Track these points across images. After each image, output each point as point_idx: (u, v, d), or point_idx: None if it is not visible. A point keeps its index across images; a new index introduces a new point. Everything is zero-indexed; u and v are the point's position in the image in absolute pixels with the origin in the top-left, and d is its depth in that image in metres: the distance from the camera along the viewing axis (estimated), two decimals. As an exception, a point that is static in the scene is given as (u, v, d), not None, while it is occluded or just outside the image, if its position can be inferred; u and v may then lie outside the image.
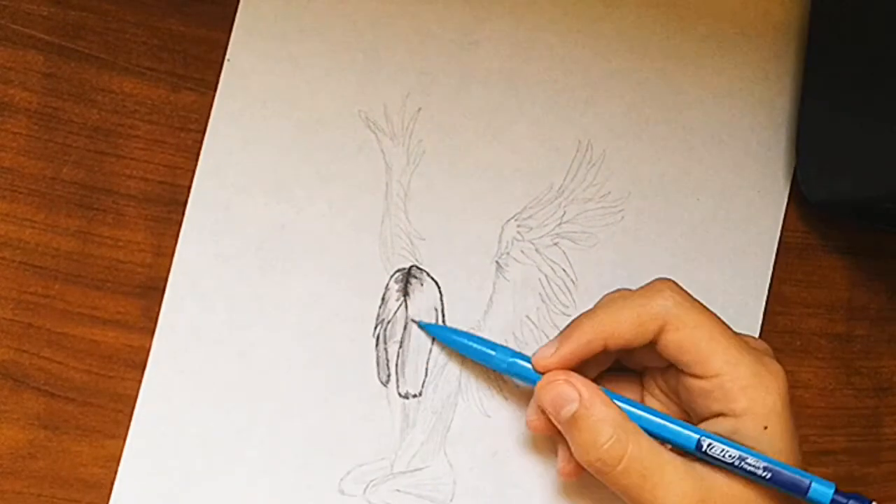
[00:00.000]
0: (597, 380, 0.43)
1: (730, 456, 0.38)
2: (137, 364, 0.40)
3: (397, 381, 0.43)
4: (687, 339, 0.40)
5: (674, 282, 0.41)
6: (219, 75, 0.41)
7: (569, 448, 0.41)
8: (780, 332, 0.49)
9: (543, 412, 0.41)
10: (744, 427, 0.39)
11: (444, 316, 0.43)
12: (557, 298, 0.45)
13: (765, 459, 0.39)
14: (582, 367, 0.41)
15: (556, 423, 0.40)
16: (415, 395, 0.43)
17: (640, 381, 0.43)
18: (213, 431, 0.41)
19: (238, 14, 0.41)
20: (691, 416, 0.42)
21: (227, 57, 0.40)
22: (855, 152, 0.46)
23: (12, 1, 0.39)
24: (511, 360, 0.41)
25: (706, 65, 0.47)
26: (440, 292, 0.43)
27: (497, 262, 0.44)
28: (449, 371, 0.43)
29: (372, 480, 0.42)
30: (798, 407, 0.50)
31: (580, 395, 0.39)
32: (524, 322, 0.44)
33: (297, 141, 0.41)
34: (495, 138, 0.44)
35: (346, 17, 0.42)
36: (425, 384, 0.43)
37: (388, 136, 0.43)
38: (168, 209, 0.40)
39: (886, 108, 0.44)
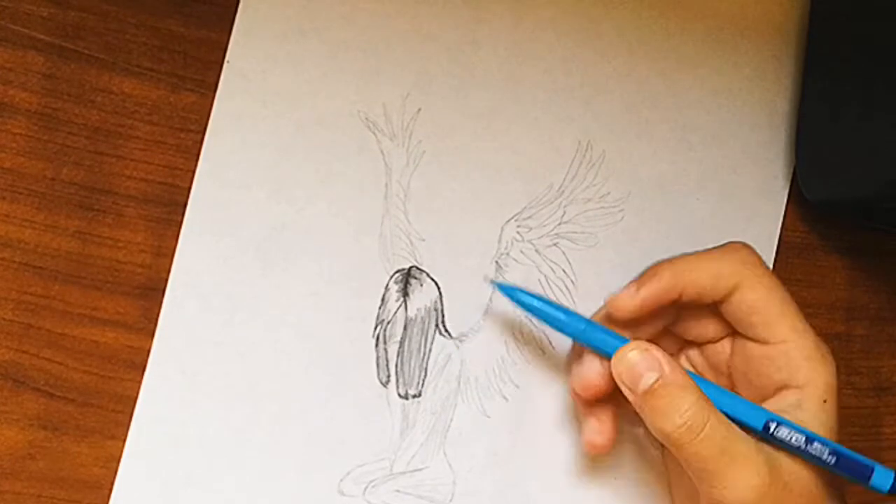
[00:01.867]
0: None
1: (796, 439, 0.39)
2: (137, 364, 0.40)
3: (397, 381, 0.43)
4: (760, 300, 0.40)
5: (750, 246, 0.42)
6: (219, 76, 0.41)
7: (605, 419, 0.41)
8: (780, 332, 0.49)
9: (603, 382, 0.41)
10: (807, 399, 0.39)
11: (443, 316, 0.43)
12: (557, 299, 0.45)
13: (829, 444, 0.39)
14: (636, 331, 0.42)
15: (629, 392, 0.40)
16: (414, 396, 0.43)
17: (679, 354, 0.44)
18: (213, 433, 0.41)
19: (238, 16, 0.41)
20: (743, 392, 0.42)
21: (226, 58, 0.40)
22: (854, 152, 0.46)
23: (12, 1, 0.39)
24: (584, 327, 0.41)
25: (705, 65, 0.47)
26: (440, 293, 0.43)
27: (497, 262, 0.44)
28: (448, 371, 0.43)
29: (372, 481, 0.42)
30: (798, 407, 0.50)
31: (660, 363, 0.39)
32: (524, 323, 0.44)
33: (296, 141, 0.41)
34: (495, 138, 0.44)
35: (345, 18, 0.42)
36: (425, 385, 0.43)
37: (387, 136, 0.42)
38: (168, 210, 0.40)
39: (886, 107, 0.44)
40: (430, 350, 0.43)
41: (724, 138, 0.47)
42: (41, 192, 0.39)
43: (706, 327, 0.43)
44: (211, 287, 0.40)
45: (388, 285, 0.43)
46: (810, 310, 0.50)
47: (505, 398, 0.44)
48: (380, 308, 0.43)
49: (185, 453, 0.40)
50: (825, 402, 0.40)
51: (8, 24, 0.39)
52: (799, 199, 0.49)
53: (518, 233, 0.44)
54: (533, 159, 0.44)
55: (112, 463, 0.39)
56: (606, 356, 0.41)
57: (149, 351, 0.40)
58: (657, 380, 0.39)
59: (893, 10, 0.44)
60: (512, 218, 0.44)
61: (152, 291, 0.40)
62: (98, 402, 0.39)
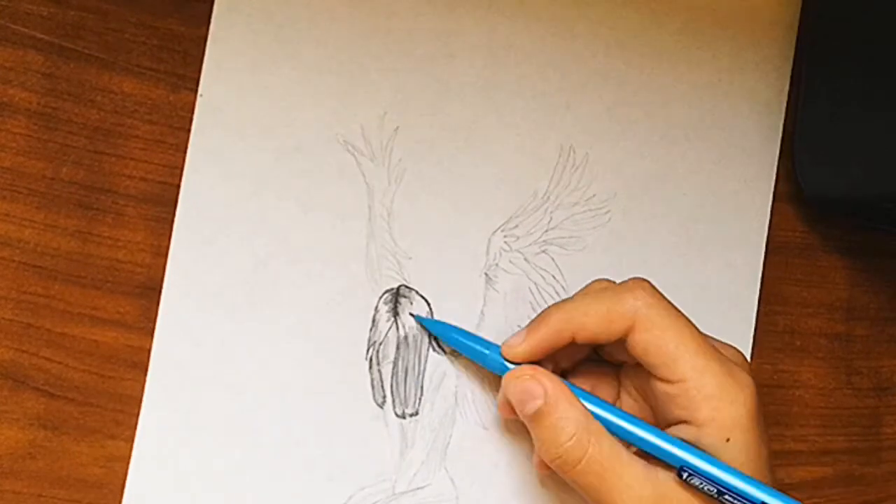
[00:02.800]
0: (574, 371, 0.43)
1: (708, 490, 0.38)
2: (137, 364, 0.40)
3: (393, 401, 0.43)
4: (654, 342, 0.39)
5: (649, 282, 0.41)
6: (218, 75, 0.41)
7: None
8: (780, 332, 0.49)
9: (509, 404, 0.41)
10: (705, 437, 0.38)
11: None
12: (549, 305, 0.45)
13: (749, 486, 0.38)
14: (556, 356, 0.41)
15: (521, 417, 0.40)
16: (412, 415, 0.43)
17: (617, 375, 0.43)
18: (208, 476, 0.40)
19: (207, 48, 0.40)
20: (657, 418, 0.41)
21: (199, 92, 0.40)
22: (854, 152, 0.46)
23: (12, 1, 0.39)
24: (486, 352, 0.41)
25: (683, 59, 0.47)
26: (430, 309, 0.43)
27: (486, 274, 0.44)
28: (445, 387, 0.43)
29: (375, 503, 0.42)
30: (798, 407, 0.50)
31: (545, 391, 0.39)
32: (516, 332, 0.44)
33: (276, 171, 0.41)
34: (476, 150, 0.44)
35: (316, 42, 0.41)
36: (421, 402, 0.43)
37: (367, 157, 0.42)
38: (168, 209, 0.40)
39: (886, 107, 0.44)
40: (424, 368, 0.43)
41: (708, 132, 0.47)
42: (41, 191, 0.39)
43: (624, 355, 0.41)
44: (199, 328, 0.40)
45: (377, 306, 0.42)
46: (810, 310, 0.50)
47: (502, 410, 0.44)
48: (371, 330, 0.42)
49: (182, 487, 0.40)
50: (728, 440, 0.38)
51: (8, 24, 0.38)
52: (799, 199, 0.49)
53: (506, 243, 0.44)
54: (516, 168, 0.44)
55: (112, 463, 0.39)
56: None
57: (148, 351, 0.40)
58: (541, 406, 0.39)
59: (894, 9, 0.44)
60: (498, 228, 0.44)
61: (152, 291, 0.40)
62: (98, 402, 0.39)
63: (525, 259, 0.44)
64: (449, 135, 0.43)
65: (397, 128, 0.43)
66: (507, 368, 0.41)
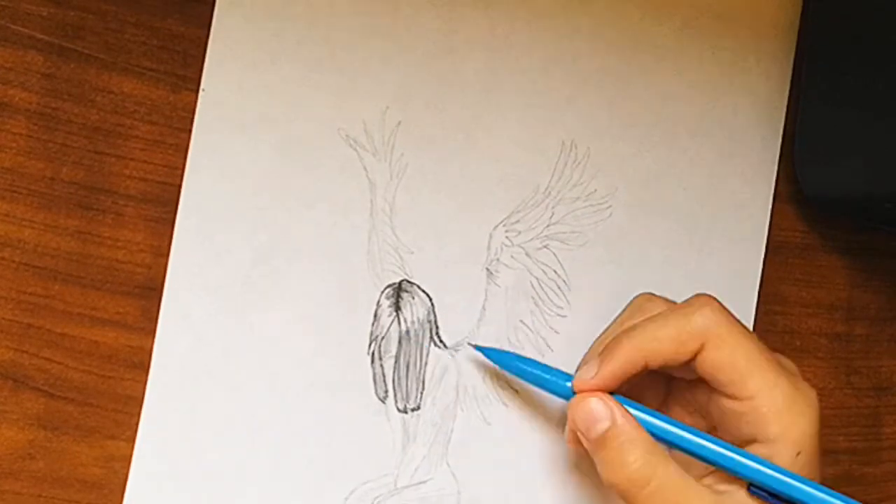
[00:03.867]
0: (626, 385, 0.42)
1: None
2: (137, 364, 0.40)
3: (395, 396, 0.43)
4: (726, 359, 0.39)
5: (715, 299, 0.41)
6: (218, 75, 0.41)
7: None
8: (780, 332, 0.49)
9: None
10: (777, 454, 0.39)
11: (437, 328, 0.43)
12: (551, 300, 0.45)
13: (824, 494, 0.38)
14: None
15: (584, 441, 0.40)
16: (413, 409, 0.43)
17: (666, 387, 0.43)
18: (211, 468, 0.40)
19: (209, 44, 0.40)
20: (720, 435, 0.41)
21: (201, 87, 0.40)
22: (854, 151, 0.46)
23: (12, 1, 0.38)
24: (556, 380, 0.41)
25: (685, 55, 0.47)
26: (432, 304, 0.43)
27: (487, 269, 0.44)
28: (446, 382, 0.43)
29: (377, 497, 0.42)
30: (798, 407, 0.50)
31: (612, 413, 0.39)
32: (518, 327, 0.44)
33: (278, 166, 0.41)
34: (477, 145, 0.44)
35: (318, 38, 0.41)
36: (423, 397, 0.43)
37: (369, 152, 0.42)
38: (168, 209, 0.40)
39: (886, 107, 0.44)
40: (426, 362, 0.43)
41: (709, 128, 0.47)
42: (41, 191, 0.39)
43: (681, 371, 0.42)
44: (201, 321, 0.40)
45: (379, 301, 0.42)
46: (810, 310, 0.50)
47: (504, 404, 0.44)
48: (373, 325, 0.42)
49: (185, 485, 0.40)
50: (798, 454, 0.39)
51: (8, 24, 0.38)
52: (799, 199, 0.49)
53: (507, 238, 0.44)
54: (517, 163, 0.44)
55: (113, 463, 0.39)
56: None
57: (149, 351, 0.40)
58: (608, 429, 0.39)
59: (894, 9, 0.44)
60: (500, 223, 0.44)
61: (152, 291, 0.40)
62: (98, 402, 0.39)
63: (526, 254, 0.44)
64: (450, 130, 0.43)
65: (399, 123, 0.43)
66: (565, 395, 0.41)
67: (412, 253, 0.43)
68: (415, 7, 0.43)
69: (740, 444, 0.40)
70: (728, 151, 0.48)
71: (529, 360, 0.42)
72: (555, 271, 0.45)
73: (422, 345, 0.43)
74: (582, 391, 0.40)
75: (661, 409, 0.43)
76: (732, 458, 0.39)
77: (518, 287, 0.44)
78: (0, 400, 0.38)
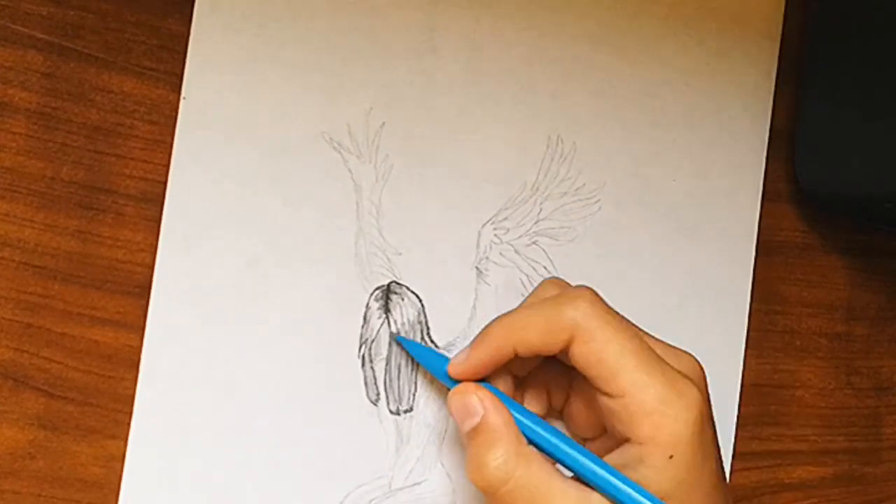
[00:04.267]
0: (529, 375, 0.42)
1: None
2: (137, 364, 0.40)
3: (387, 398, 0.43)
4: (594, 354, 0.38)
5: (592, 291, 0.39)
6: (218, 75, 0.41)
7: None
8: (780, 332, 0.49)
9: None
10: (649, 456, 0.37)
11: (428, 328, 0.43)
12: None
13: None
14: (508, 366, 0.41)
15: (461, 436, 0.40)
16: (406, 411, 0.43)
17: (569, 380, 0.42)
18: (206, 470, 0.40)
19: (189, 50, 0.40)
20: (607, 431, 0.40)
21: (182, 95, 0.40)
22: (854, 151, 0.46)
23: (12, 1, 0.38)
24: (441, 367, 0.41)
25: (670, 45, 0.47)
26: (422, 305, 0.43)
27: (477, 267, 0.44)
28: (438, 382, 0.43)
29: (372, 500, 0.42)
30: (798, 407, 0.50)
31: (485, 408, 0.39)
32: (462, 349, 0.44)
33: (262, 171, 0.41)
34: (463, 144, 0.44)
35: (299, 40, 0.41)
36: (415, 398, 0.43)
37: (354, 154, 0.42)
38: (168, 209, 0.40)
39: (886, 107, 0.44)
40: (417, 364, 0.43)
41: (696, 118, 0.47)
42: (41, 191, 0.39)
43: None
44: (188, 329, 0.40)
45: (368, 304, 0.42)
46: (810, 310, 0.50)
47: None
48: (362, 327, 0.42)
49: (178, 492, 0.40)
50: (671, 457, 0.37)
51: (8, 24, 0.38)
52: (799, 199, 0.49)
53: (496, 235, 0.44)
54: (504, 160, 0.44)
55: (112, 462, 0.39)
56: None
57: (148, 350, 0.40)
58: (477, 425, 0.38)
59: (894, 9, 0.44)
60: (488, 221, 0.44)
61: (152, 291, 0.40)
62: (98, 402, 0.39)
63: (516, 251, 0.44)
64: (435, 129, 0.43)
65: (383, 124, 0.42)
66: (454, 385, 0.40)
67: (400, 254, 0.43)
68: (397, 6, 0.42)
69: (617, 442, 0.39)
70: (716, 142, 0.47)
71: (425, 348, 0.42)
72: (544, 267, 0.45)
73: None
74: (455, 377, 0.40)
75: (566, 399, 0.42)
76: (584, 466, 0.38)
77: (508, 284, 0.44)
78: (0, 400, 0.38)
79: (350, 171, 0.42)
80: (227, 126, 0.40)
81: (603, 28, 0.45)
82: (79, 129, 0.39)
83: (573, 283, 0.43)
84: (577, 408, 0.42)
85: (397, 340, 0.42)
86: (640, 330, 0.40)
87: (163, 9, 0.40)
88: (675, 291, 0.47)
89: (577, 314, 0.38)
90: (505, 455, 0.38)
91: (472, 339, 0.43)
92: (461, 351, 0.41)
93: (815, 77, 0.48)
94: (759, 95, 0.48)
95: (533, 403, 0.42)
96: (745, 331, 0.48)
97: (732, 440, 0.48)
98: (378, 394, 0.42)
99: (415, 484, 0.43)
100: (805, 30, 0.49)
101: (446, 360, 0.41)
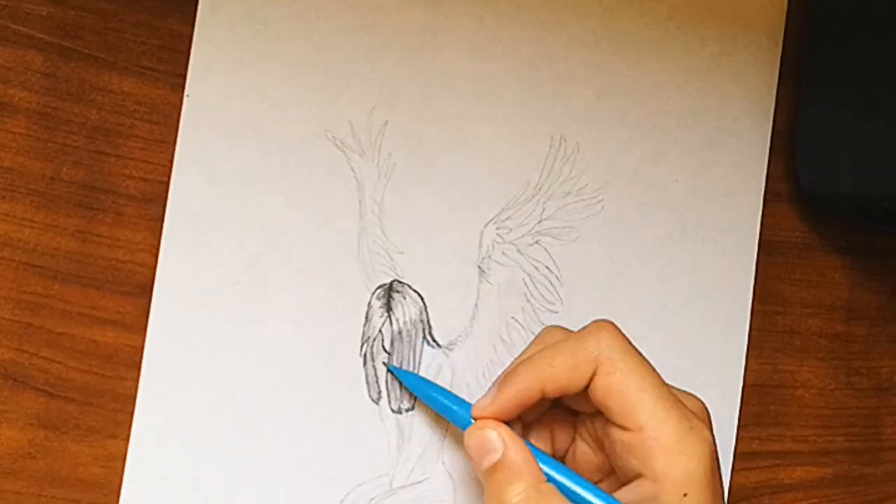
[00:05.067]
0: (534, 421, 0.42)
1: None
2: (137, 364, 0.40)
3: (389, 397, 0.43)
4: (616, 385, 0.38)
5: (613, 324, 0.40)
6: (219, 75, 0.41)
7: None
8: (780, 332, 0.49)
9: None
10: (663, 492, 0.37)
11: (429, 327, 0.43)
12: (543, 297, 0.45)
13: None
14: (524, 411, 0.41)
15: (477, 471, 0.40)
16: (408, 410, 0.43)
17: (574, 423, 0.42)
18: (207, 469, 0.40)
19: (193, 47, 0.40)
20: (615, 470, 0.40)
21: (185, 93, 0.40)
22: (854, 151, 0.46)
23: (12, 1, 0.38)
24: (455, 408, 0.41)
25: (672, 45, 0.47)
26: (424, 304, 0.43)
27: (479, 267, 0.44)
28: (440, 381, 0.43)
29: (372, 498, 0.42)
30: (798, 407, 0.50)
31: (505, 444, 0.39)
32: (511, 324, 0.44)
33: (264, 169, 0.41)
34: (466, 143, 0.44)
35: (302, 39, 0.41)
36: (416, 397, 0.43)
37: (356, 153, 0.42)
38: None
39: (886, 107, 0.44)
40: (419, 362, 0.43)
41: (698, 117, 0.47)
42: (41, 191, 0.39)
43: (582, 404, 0.41)
44: (190, 328, 0.40)
45: (370, 302, 0.42)
46: (810, 310, 0.50)
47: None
48: (364, 326, 0.42)
49: (179, 491, 0.40)
50: (685, 495, 0.37)
51: (8, 24, 0.38)
52: (799, 198, 0.49)
53: (498, 235, 0.44)
54: (506, 159, 0.44)
55: (112, 462, 0.39)
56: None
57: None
58: (498, 461, 0.38)
59: (894, 9, 0.44)
60: (491, 220, 0.44)
61: (152, 291, 0.40)
62: (98, 402, 0.39)
63: (518, 250, 0.44)
64: (438, 128, 0.43)
65: (386, 122, 0.42)
66: (465, 424, 0.40)
67: (402, 253, 0.43)
68: (400, 5, 0.42)
69: (630, 478, 0.39)
70: (718, 141, 0.47)
71: (436, 385, 0.42)
72: (547, 267, 0.45)
73: (414, 345, 0.43)
74: (479, 419, 0.40)
75: (569, 446, 0.42)
76: None
77: (510, 284, 0.44)
78: (0, 400, 0.38)
79: (353, 169, 0.42)
80: (229, 124, 0.40)
81: (606, 28, 0.45)
82: (79, 129, 0.39)
83: (576, 284, 0.43)
84: (583, 450, 0.42)
85: (393, 372, 0.42)
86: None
87: (163, 9, 0.40)
88: (677, 291, 0.47)
89: (602, 346, 0.39)
90: (526, 491, 0.38)
91: (473, 339, 0.43)
92: (486, 394, 0.40)
93: (815, 77, 0.48)
94: (761, 96, 0.48)
95: (538, 447, 0.42)
96: (747, 331, 0.48)
97: (734, 441, 0.48)
98: (379, 392, 0.42)
99: (416, 482, 0.43)
100: (805, 30, 0.49)
101: (459, 400, 0.41)
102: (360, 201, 0.42)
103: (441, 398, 0.41)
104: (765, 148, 0.48)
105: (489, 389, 0.41)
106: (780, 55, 0.49)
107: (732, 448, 0.48)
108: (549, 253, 0.45)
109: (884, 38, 0.45)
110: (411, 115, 0.43)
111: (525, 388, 0.39)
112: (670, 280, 0.47)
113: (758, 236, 0.48)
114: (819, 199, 0.48)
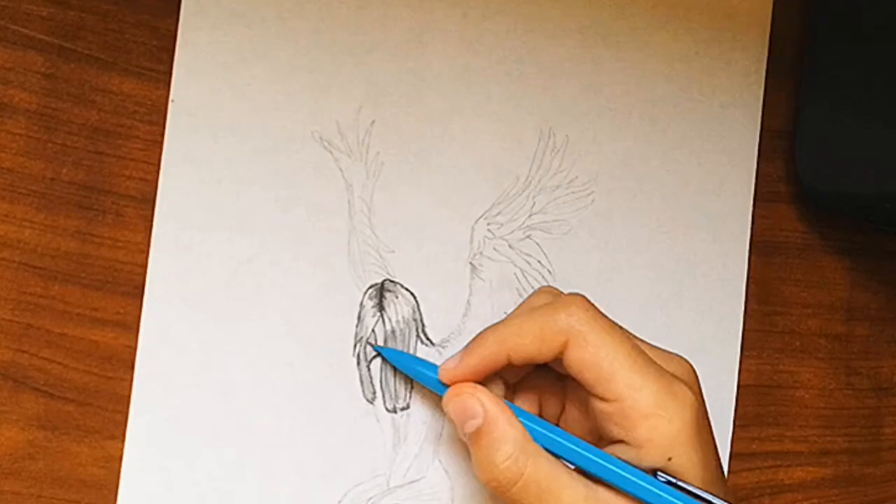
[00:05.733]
0: (522, 383, 0.42)
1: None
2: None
3: (383, 396, 0.42)
4: (589, 358, 0.38)
5: (584, 297, 0.40)
6: (218, 76, 0.41)
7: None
8: (780, 332, 0.49)
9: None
10: (647, 457, 0.38)
11: (423, 325, 0.43)
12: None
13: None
14: (501, 373, 0.41)
15: (461, 436, 0.40)
16: (403, 409, 0.43)
17: (564, 386, 0.42)
18: (204, 472, 0.40)
19: (177, 51, 0.40)
20: (601, 436, 0.40)
21: (170, 97, 0.40)
22: (854, 151, 0.46)
23: (12, 1, 0.38)
24: (428, 373, 0.41)
25: (659, 34, 0.47)
26: (416, 302, 0.43)
27: (471, 263, 0.44)
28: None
29: (370, 498, 0.42)
30: (798, 407, 0.50)
31: (485, 409, 0.38)
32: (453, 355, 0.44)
33: (252, 172, 0.41)
34: (454, 139, 0.43)
35: (287, 39, 0.41)
36: (412, 396, 0.43)
37: (344, 153, 0.42)
38: (168, 209, 0.40)
39: (886, 107, 0.44)
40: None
41: (688, 106, 0.47)
42: (41, 192, 0.39)
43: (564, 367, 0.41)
44: (182, 331, 0.40)
45: (362, 302, 0.42)
46: (810, 310, 0.50)
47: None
48: (357, 326, 0.42)
49: (175, 494, 0.40)
50: (670, 459, 0.37)
51: (8, 24, 0.38)
52: (799, 199, 0.49)
53: (489, 230, 0.44)
54: (495, 154, 0.44)
55: (112, 463, 0.39)
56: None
57: (148, 351, 0.40)
58: (481, 426, 0.38)
59: (894, 9, 0.44)
60: (481, 216, 0.44)
61: (152, 291, 0.40)
62: (98, 402, 0.39)
63: (509, 246, 0.44)
64: (426, 125, 0.43)
65: (373, 121, 0.42)
66: (444, 389, 0.41)
67: (393, 252, 0.43)
68: (384, 3, 0.42)
69: (613, 443, 0.39)
70: (708, 130, 0.47)
71: (411, 356, 0.42)
72: (539, 261, 0.45)
73: (408, 343, 0.43)
74: (445, 382, 0.40)
75: (561, 408, 0.43)
76: (594, 461, 0.38)
77: (502, 280, 0.44)
78: (0, 400, 0.38)
79: (341, 169, 0.42)
80: (216, 127, 0.40)
81: (592, 18, 0.45)
82: (79, 130, 0.39)
83: (568, 277, 0.43)
84: (573, 416, 0.42)
85: (376, 350, 0.42)
86: (633, 335, 0.41)
87: (163, 9, 0.40)
88: (669, 282, 0.47)
89: (572, 319, 0.39)
90: (514, 452, 0.38)
91: (467, 336, 0.43)
92: (453, 356, 0.41)
93: (815, 77, 0.48)
94: (749, 83, 0.48)
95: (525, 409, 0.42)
96: (742, 323, 0.48)
97: (730, 436, 0.48)
98: (374, 392, 0.42)
99: (413, 481, 0.43)
100: (804, 29, 0.49)
101: (434, 366, 0.41)
102: (349, 201, 0.42)
103: (415, 365, 0.42)
104: (755, 134, 0.48)
105: (457, 352, 0.41)
106: (767, 41, 0.49)
107: (729, 445, 0.48)
108: (540, 247, 0.45)
109: (884, 38, 0.45)
110: (398, 113, 0.43)
111: (490, 353, 0.40)
112: (662, 270, 0.47)
113: (750, 224, 0.48)
114: (819, 199, 0.48)
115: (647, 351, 0.40)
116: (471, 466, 0.43)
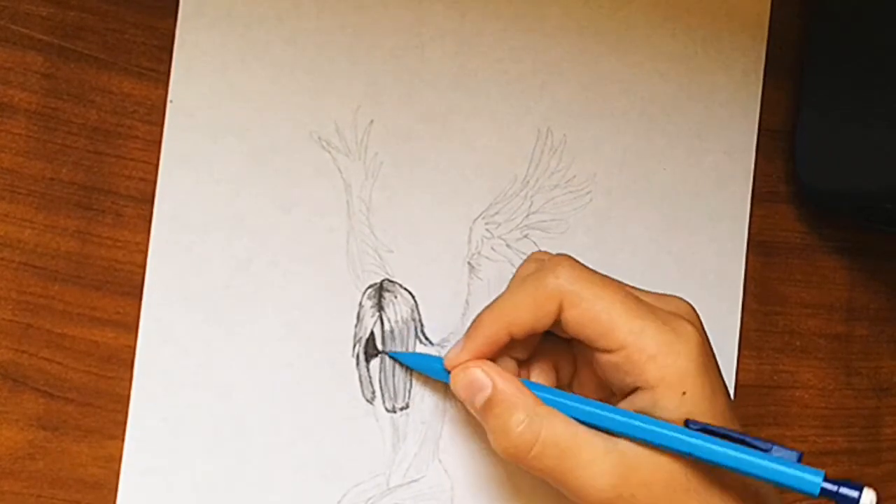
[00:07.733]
0: (534, 355, 0.42)
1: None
2: (137, 364, 0.40)
3: (383, 396, 0.42)
4: (586, 314, 0.39)
5: (570, 257, 0.40)
6: (218, 76, 0.41)
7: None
8: (780, 332, 0.49)
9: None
10: (662, 398, 0.38)
11: (422, 325, 0.43)
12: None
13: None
14: (508, 351, 0.41)
15: (473, 412, 0.40)
16: (402, 408, 0.43)
17: (573, 352, 0.43)
18: (203, 473, 0.40)
19: (175, 52, 0.40)
20: (614, 390, 0.40)
21: (169, 98, 0.40)
22: (854, 151, 0.46)
23: (12, 1, 0.38)
24: (439, 366, 0.41)
25: (657, 32, 0.47)
26: (415, 302, 0.43)
27: (469, 263, 0.44)
28: (433, 379, 0.43)
29: (369, 498, 0.42)
30: (798, 407, 0.50)
31: (492, 380, 0.39)
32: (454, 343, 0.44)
33: (251, 173, 0.41)
34: (452, 139, 0.44)
35: (285, 40, 0.41)
36: (411, 395, 0.43)
37: (343, 153, 0.42)
38: (168, 209, 0.40)
39: (886, 107, 0.44)
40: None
41: (685, 105, 0.47)
42: (41, 192, 0.39)
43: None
44: (182, 330, 0.40)
45: (361, 302, 0.42)
46: (810, 310, 0.50)
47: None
48: (356, 326, 0.42)
49: (174, 496, 0.40)
50: (684, 394, 0.38)
51: (8, 24, 0.38)
52: (799, 199, 0.49)
53: (487, 230, 0.44)
54: (493, 154, 0.44)
55: (112, 463, 0.39)
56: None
57: (148, 351, 0.40)
58: (490, 396, 0.39)
59: (894, 10, 0.44)
60: (479, 216, 0.44)
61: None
62: (98, 402, 0.39)
63: (507, 245, 0.44)
64: (424, 125, 0.43)
65: (371, 121, 0.42)
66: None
67: (392, 252, 0.43)
68: (383, 4, 0.42)
69: (627, 394, 0.39)
70: (706, 128, 0.47)
71: (420, 355, 0.42)
72: None
73: (407, 343, 0.43)
74: (450, 368, 0.40)
75: (574, 375, 0.43)
76: (610, 418, 0.38)
77: (501, 279, 0.44)
78: (0, 400, 0.39)
79: (339, 169, 0.42)
80: (215, 128, 0.40)
81: (590, 17, 0.45)
82: (79, 130, 0.39)
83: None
84: (586, 375, 0.42)
85: (390, 356, 0.42)
86: (625, 284, 0.41)
87: (163, 9, 0.40)
88: (667, 280, 0.47)
89: (561, 280, 0.39)
90: (527, 417, 0.38)
91: (462, 334, 0.43)
92: (455, 344, 0.41)
93: (815, 77, 0.48)
94: (748, 80, 0.48)
95: (541, 381, 0.42)
96: (739, 322, 0.48)
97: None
98: (373, 392, 0.42)
99: (412, 481, 0.43)
100: (804, 29, 0.49)
101: (441, 359, 0.41)
102: (347, 201, 0.42)
103: (422, 360, 0.42)
104: (753, 133, 0.48)
105: (459, 340, 0.41)
106: (766, 39, 0.49)
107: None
108: (538, 246, 0.45)
109: (884, 38, 0.45)
110: (396, 113, 0.43)
111: (491, 332, 0.40)
112: (660, 269, 0.47)
113: (747, 222, 0.48)
114: (819, 199, 0.48)
115: (641, 296, 0.40)
116: (471, 466, 0.43)
